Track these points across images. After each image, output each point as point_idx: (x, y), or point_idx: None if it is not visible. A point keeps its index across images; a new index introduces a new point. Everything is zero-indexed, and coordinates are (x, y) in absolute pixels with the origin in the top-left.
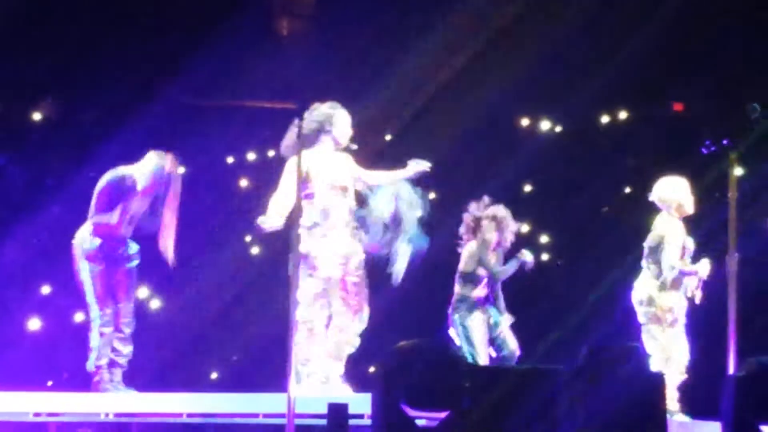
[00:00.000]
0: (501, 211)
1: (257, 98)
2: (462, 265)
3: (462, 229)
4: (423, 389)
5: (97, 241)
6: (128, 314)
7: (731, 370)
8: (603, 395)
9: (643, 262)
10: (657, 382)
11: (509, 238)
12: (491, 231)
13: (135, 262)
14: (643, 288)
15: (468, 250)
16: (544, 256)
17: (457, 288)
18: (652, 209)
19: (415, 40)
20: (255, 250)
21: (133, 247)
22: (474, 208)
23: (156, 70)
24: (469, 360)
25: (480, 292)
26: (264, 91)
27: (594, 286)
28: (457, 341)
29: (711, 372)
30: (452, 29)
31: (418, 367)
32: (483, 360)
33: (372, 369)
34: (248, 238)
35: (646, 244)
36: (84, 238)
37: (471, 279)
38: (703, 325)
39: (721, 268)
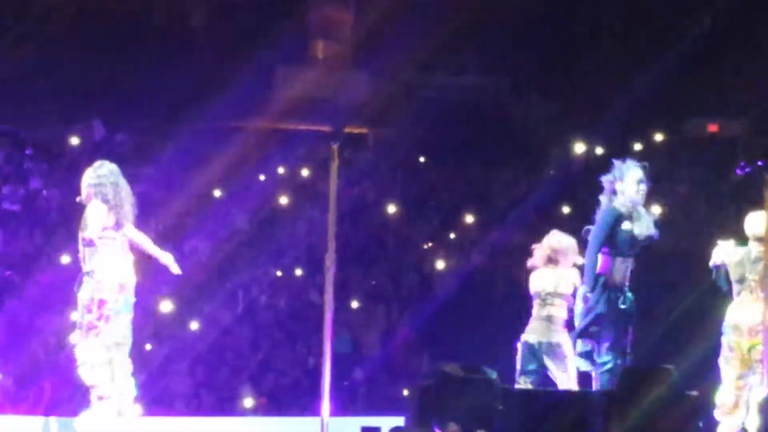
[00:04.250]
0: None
1: (294, 121)
2: (564, 288)
3: (544, 254)
4: (456, 412)
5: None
6: None
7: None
8: (637, 416)
9: (752, 290)
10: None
11: None
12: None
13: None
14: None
15: (569, 274)
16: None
17: (554, 310)
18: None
19: (452, 63)
20: (291, 272)
21: None
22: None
23: (193, 93)
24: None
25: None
26: (300, 114)
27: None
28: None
29: None
30: (486, 52)
31: (452, 390)
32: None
33: (406, 392)
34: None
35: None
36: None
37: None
38: None
39: None
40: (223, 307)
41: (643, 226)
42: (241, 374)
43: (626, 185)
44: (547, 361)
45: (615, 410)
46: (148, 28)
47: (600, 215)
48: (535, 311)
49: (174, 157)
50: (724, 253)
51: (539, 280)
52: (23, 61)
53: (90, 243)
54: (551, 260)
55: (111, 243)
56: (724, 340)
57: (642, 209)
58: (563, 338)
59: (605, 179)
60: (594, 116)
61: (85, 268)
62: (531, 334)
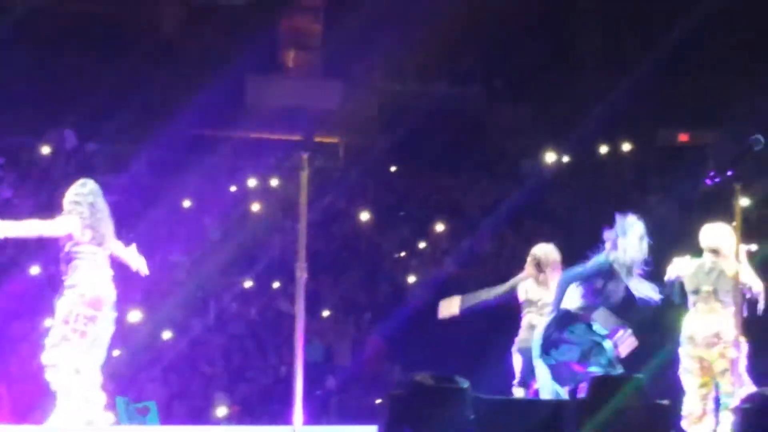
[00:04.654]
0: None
1: (264, 130)
2: (549, 297)
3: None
4: (428, 421)
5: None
6: None
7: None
8: (608, 425)
9: (707, 301)
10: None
11: None
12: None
13: None
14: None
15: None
16: None
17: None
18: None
19: (424, 71)
20: (262, 281)
21: None
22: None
23: (164, 102)
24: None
25: None
26: (270, 123)
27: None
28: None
29: None
30: (458, 61)
31: (424, 399)
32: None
33: (378, 401)
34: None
35: (720, 285)
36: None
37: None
38: None
39: None
40: (195, 316)
41: (643, 289)
42: (213, 383)
43: (629, 242)
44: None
45: (586, 418)
46: (120, 37)
47: (593, 260)
48: (524, 319)
49: (145, 167)
50: (679, 267)
51: (525, 290)
52: None
53: (69, 257)
54: (538, 271)
55: (92, 257)
56: (681, 351)
57: (638, 279)
58: None
59: (608, 234)
60: (566, 126)
61: (67, 281)
62: (520, 342)
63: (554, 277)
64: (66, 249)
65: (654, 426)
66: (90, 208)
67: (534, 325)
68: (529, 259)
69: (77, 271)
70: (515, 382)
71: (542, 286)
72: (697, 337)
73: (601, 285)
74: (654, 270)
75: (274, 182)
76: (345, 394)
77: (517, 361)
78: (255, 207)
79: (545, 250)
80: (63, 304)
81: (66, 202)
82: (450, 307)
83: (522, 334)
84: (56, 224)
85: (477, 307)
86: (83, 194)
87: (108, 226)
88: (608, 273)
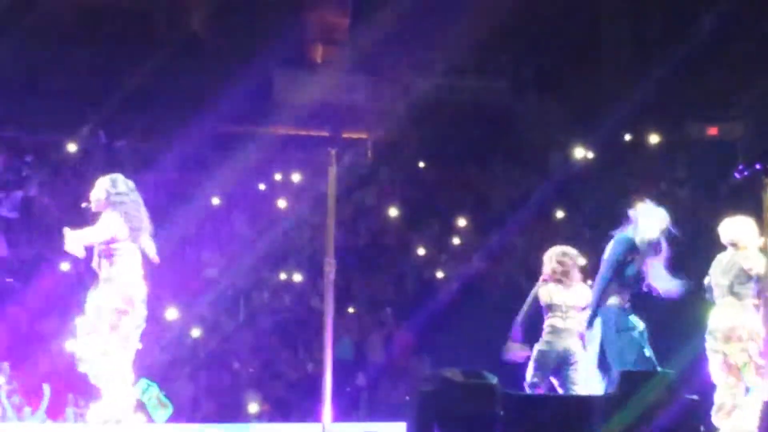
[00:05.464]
0: None
1: (291, 126)
2: (584, 302)
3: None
4: (457, 417)
5: None
6: None
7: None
8: (637, 420)
9: (724, 294)
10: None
11: None
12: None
13: None
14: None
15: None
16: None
17: (570, 323)
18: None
19: (450, 65)
20: (294, 278)
21: None
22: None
23: (192, 99)
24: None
25: None
26: (298, 119)
27: None
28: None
29: None
30: (484, 55)
31: (453, 395)
32: None
33: (407, 397)
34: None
35: (735, 279)
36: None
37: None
38: None
39: None
40: (225, 313)
41: (662, 282)
42: (242, 380)
43: (648, 223)
44: (555, 371)
45: (614, 413)
46: (148, 33)
47: (615, 239)
48: (547, 323)
49: (173, 163)
50: (712, 268)
51: (549, 294)
52: (24, 68)
53: (107, 252)
54: (559, 274)
55: (126, 253)
56: (707, 345)
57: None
58: (575, 347)
59: (632, 213)
60: (594, 119)
61: (102, 274)
62: (542, 345)
63: (577, 280)
64: (103, 246)
65: (683, 421)
66: (135, 205)
67: (558, 328)
68: (546, 261)
69: (114, 266)
70: (527, 383)
71: (565, 289)
72: (716, 331)
73: (626, 265)
74: (682, 263)
75: (302, 178)
76: (374, 390)
77: (533, 364)
78: (283, 203)
79: (565, 254)
80: (96, 297)
81: (103, 195)
82: (516, 349)
83: (545, 337)
84: (101, 229)
85: (522, 329)
86: (124, 193)
87: (145, 220)
88: (632, 249)
